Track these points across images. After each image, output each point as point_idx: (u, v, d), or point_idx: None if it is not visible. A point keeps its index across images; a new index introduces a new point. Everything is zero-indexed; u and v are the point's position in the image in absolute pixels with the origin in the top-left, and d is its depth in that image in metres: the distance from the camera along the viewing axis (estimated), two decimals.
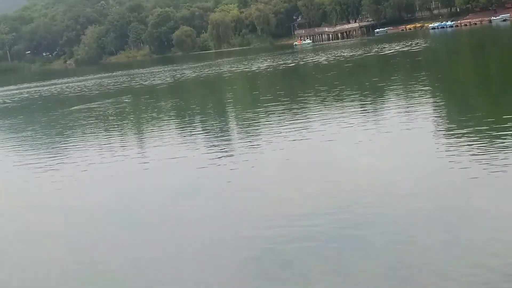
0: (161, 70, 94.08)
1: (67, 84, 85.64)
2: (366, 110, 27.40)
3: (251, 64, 78.57)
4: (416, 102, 27.27)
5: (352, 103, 30.33)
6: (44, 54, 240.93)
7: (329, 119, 25.64)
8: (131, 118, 37.64)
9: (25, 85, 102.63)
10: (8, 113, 51.97)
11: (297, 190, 15.65)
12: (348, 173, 16.82)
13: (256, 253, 11.94)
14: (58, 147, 28.90)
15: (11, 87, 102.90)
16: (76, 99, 56.52)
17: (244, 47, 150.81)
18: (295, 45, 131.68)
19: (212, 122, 30.74)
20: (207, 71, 75.45)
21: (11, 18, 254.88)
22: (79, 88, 73.44)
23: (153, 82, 68.75)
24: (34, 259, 13.36)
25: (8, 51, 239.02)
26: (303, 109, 30.20)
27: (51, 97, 66.67)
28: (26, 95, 74.22)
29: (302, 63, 70.46)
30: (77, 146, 27.70)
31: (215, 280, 10.97)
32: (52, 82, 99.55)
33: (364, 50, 78.90)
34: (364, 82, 40.43)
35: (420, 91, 30.86)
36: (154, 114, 37.07)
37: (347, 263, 10.90)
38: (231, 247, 12.42)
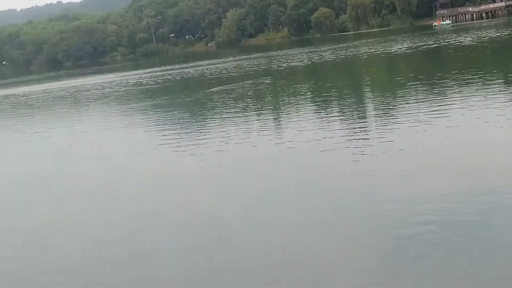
0: (299, 52, 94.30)
1: (207, 66, 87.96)
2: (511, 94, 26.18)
3: (390, 45, 76.98)
4: None
5: (497, 87, 29.02)
6: (186, 37, 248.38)
7: (471, 105, 24.65)
8: (270, 100, 38.20)
9: (168, 67, 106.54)
10: (154, 94, 54.36)
11: (435, 177, 15.33)
12: (492, 161, 16.22)
13: (392, 240, 11.89)
14: (198, 126, 30.02)
15: (156, 68, 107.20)
16: (216, 81, 58.01)
17: (383, 28, 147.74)
18: (434, 26, 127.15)
19: (349, 105, 30.59)
20: (345, 53, 74.82)
21: (156, 2, 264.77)
22: (219, 70, 75.30)
23: (291, 64, 69.17)
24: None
25: (153, 34, 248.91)
26: (444, 92, 29.30)
27: (192, 79, 68.92)
28: (169, 77, 77.16)
29: (444, 44, 68.12)
30: (217, 126, 28.61)
31: (355, 265, 11.06)
32: (193, 64, 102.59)
33: (511, 30, 74.97)
34: (510, 64, 38.52)
35: None
36: (292, 96, 37.40)
37: (488, 253, 10.62)
38: (368, 232, 12.44)
